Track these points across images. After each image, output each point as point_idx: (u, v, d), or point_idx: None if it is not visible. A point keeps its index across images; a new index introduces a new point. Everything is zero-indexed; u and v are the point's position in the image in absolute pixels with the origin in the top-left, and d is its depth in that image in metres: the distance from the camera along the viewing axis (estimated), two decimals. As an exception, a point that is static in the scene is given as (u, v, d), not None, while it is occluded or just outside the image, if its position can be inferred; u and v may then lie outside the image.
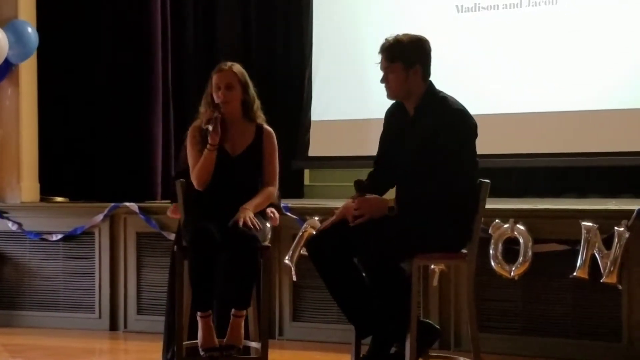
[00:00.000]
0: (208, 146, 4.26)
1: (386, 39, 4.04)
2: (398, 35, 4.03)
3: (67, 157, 6.79)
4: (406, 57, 3.98)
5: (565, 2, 6.34)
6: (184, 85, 6.98)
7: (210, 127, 4.23)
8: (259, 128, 4.40)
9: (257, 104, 4.41)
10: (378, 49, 4.05)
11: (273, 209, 4.49)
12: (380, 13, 6.85)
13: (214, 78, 4.36)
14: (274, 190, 4.40)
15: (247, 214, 4.18)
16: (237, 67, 4.40)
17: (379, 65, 4.04)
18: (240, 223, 4.13)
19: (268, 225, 4.41)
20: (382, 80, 4.03)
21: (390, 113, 4.17)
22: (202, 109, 4.40)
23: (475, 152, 4.01)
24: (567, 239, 5.02)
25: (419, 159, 3.93)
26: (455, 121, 3.93)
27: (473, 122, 3.97)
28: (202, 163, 4.28)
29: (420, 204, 3.90)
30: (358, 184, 4.01)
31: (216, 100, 4.34)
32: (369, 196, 3.95)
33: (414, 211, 3.89)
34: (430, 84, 4.04)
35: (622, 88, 6.15)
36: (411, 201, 3.92)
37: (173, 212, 4.69)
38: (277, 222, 4.58)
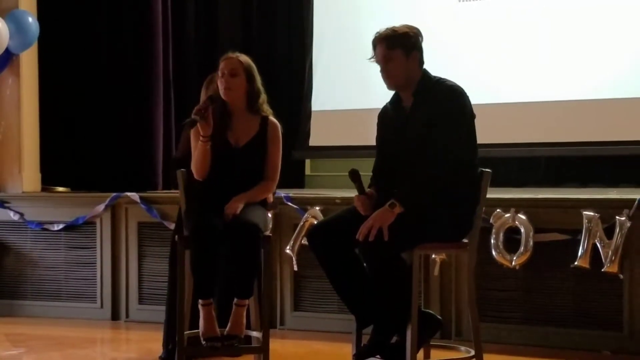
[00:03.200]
0: (200, 138, 4.22)
1: (378, 32, 4.05)
2: (388, 27, 4.04)
3: (68, 147, 6.79)
4: (405, 44, 4.00)
5: (566, -8, 6.35)
6: (185, 75, 6.97)
7: (198, 118, 4.20)
8: (264, 119, 4.37)
9: (263, 97, 4.36)
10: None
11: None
12: (380, 2, 6.84)
13: (220, 65, 4.34)
14: (272, 185, 4.36)
15: (235, 208, 4.16)
16: (244, 57, 4.37)
17: (374, 58, 4.03)
18: (228, 218, 4.12)
19: (269, 215, 4.41)
20: (382, 71, 4.02)
21: (383, 114, 4.17)
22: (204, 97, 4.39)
23: (474, 131, 4.00)
24: (569, 228, 5.02)
25: (423, 144, 3.92)
26: (451, 98, 3.95)
27: (469, 101, 3.98)
28: (197, 155, 4.25)
29: (423, 192, 3.89)
30: (353, 175, 4.00)
31: (219, 87, 4.32)
32: (376, 212, 3.89)
33: (416, 199, 3.88)
34: (425, 70, 4.05)
35: (624, 77, 6.14)
36: (414, 189, 3.91)
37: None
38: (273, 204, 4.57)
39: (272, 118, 4.39)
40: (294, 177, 6.94)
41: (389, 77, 4.02)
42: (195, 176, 4.31)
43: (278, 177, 4.39)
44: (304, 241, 5.36)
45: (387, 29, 4.04)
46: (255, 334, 4.35)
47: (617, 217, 4.89)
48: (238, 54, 4.37)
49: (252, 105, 4.35)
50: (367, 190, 4.03)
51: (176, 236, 4.40)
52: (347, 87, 6.88)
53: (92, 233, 6.15)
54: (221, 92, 4.31)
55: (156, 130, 6.73)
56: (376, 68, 4.07)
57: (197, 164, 4.27)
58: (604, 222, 4.92)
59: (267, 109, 4.39)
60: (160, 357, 4.86)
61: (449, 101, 3.96)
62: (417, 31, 4.06)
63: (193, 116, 4.20)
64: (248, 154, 4.33)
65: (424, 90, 4.01)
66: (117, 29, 6.81)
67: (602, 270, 4.90)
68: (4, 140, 6.51)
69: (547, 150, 6.38)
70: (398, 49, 3.99)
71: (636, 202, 4.89)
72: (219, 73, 4.33)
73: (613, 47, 6.16)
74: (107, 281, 6.10)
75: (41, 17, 6.52)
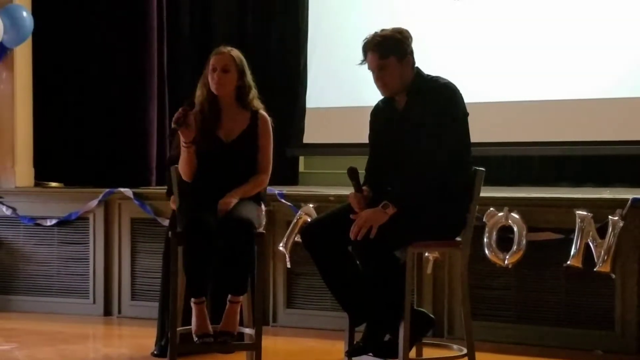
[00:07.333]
0: (183, 143, 4.22)
1: (366, 39, 4.01)
2: (377, 32, 4.01)
3: (62, 142, 6.77)
4: (398, 51, 3.97)
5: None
6: (179, 70, 6.96)
7: (176, 127, 4.15)
8: (255, 114, 4.37)
9: (253, 92, 4.37)
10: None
11: None
12: (375, 1, 6.83)
13: (211, 60, 4.34)
14: (265, 178, 4.36)
15: (228, 203, 4.15)
16: (236, 52, 4.38)
17: (367, 64, 4.00)
18: (222, 213, 4.12)
19: (262, 211, 4.41)
20: (377, 79, 3.98)
21: (375, 113, 4.16)
22: (198, 91, 4.38)
23: (468, 129, 4.00)
24: (562, 227, 5.03)
25: (416, 143, 3.92)
26: (444, 96, 3.94)
27: (462, 99, 3.97)
28: (181, 160, 4.27)
29: (416, 192, 3.89)
30: (351, 172, 3.99)
31: (210, 82, 4.31)
32: (366, 210, 3.89)
33: (410, 200, 3.88)
34: (418, 69, 4.04)
35: (618, 78, 6.15)
36: (407, 190, 3.91)
37: (174, 203, 4.69)
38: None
39: (262, 112, 4.39)
40: (287, 174, 6.94)
41: (384, 85, 4.00)
42: (184, 178, 4.31)
43: (270, 170, 4.39)
44: (298, 238, 5.36)
45: (375, 35, 3.98)
46: (247, 331, 4.35)
47: (609, 216, 4.90)
48: (230, 49, 4.38)
49: (242, 100, 4.35)
50: (363, 188, 4.03)
51: (170, 232, 4.40)
52: (341, 85, 6.87)
53: (85, 228, 6.14)
54: (212, 87, 4.31)
55: (150, 126, 6.71)
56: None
57: (182, 168, 4.30)
58: (597, 222, 4.93)
59: (257, 104, 4.39)
60: (152, 353, 4.86)
61: (442, 99, 3.95)
62: (406, 34, 4.02)
63: (173, 125, 4.19)
64: (239, 148, 4.32)
65: (418, 89, 4.00)
66: (112, 24, 6.78)
67: (595, 269, 4.91)
68: (-2, 134, 6.50)
69: (541, 149, 6.39)
70: (391, 56, 3.96)
71: (629, 202, 4.90)
72: (210, 67, 4.32)
73: (608, 48, 6.16)
74: (99, 277, 6.09)
75: (36, 12, 6.50)
